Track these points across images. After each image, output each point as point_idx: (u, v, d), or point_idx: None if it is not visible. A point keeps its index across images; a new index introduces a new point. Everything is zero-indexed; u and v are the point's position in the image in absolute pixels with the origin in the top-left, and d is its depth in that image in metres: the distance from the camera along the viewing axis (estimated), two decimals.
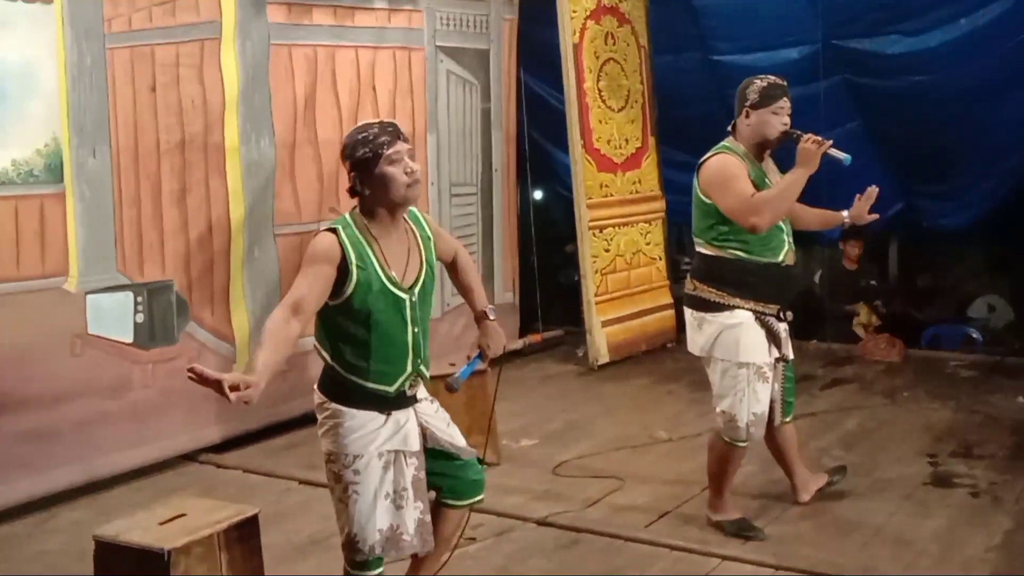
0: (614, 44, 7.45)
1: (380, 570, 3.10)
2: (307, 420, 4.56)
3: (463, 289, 3.40)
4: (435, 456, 3.13)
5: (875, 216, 4.34)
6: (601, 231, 7.30)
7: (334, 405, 2.99)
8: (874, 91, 7.25)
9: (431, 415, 3.14)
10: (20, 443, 4.58)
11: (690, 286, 4.10)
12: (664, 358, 7.35)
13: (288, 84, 5.77)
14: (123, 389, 5.02)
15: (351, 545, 3.02)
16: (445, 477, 3.18)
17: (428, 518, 3.09)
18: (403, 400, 3.04)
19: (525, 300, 7.73)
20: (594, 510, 4.50)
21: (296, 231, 5.81)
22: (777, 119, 3.93)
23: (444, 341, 6.83)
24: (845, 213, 4.32)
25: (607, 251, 7.36)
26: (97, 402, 4.89)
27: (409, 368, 3.01)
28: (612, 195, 7.40)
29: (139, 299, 5.08)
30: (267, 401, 5.61)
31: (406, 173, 2.90)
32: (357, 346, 2.95)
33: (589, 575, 3.87)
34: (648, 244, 7.75)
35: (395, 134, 2.91)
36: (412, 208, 3.07)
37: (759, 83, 3.96)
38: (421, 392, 3.14)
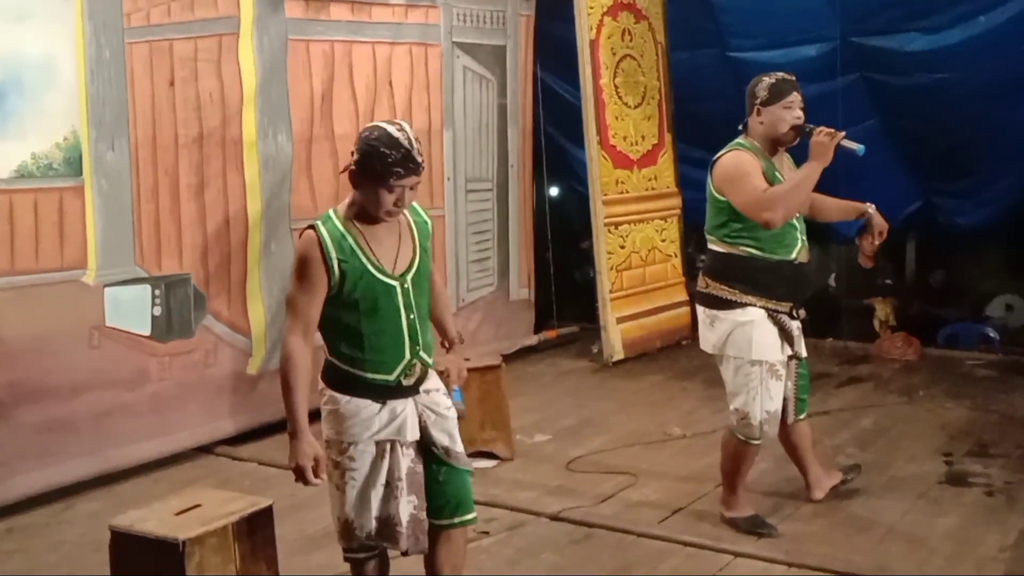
0: (631, 40, 7.44)
1: (373, 555, 3.14)
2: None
3: (433, 316, 3.22)
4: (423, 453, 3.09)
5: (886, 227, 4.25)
6: (617, 228, 7.30)
7: (331, 392, 3.02)
8: (892, 89, 7.21)
9: (439, 407, 3.10)
10: (38, 434, 4.63)
11: (702, 284, 4.10)
12: (679, 355, 7.34)
13: (305, 79, 5.79)
14: (140, 381, 5.06)
15: (346, 531, 3.06)
16: (427, 481, 3.10)
17: (423, 516, 3.06)
18: (401, 389, 3.01)
19: (540, 296, 7.74)
20: (607, 506, 4.50)
21: None
22: (789, 114, 3.92)
23: None
24: (871, 206, 4.23)
25: (622, 248, 7.35)
26: (114, 394, 4.93)
27: (408, 355, 2.99)
28: (628, 192, 7.40)
29: (157, 292, 5.11)
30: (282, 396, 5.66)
31: (394, 204, 2.90)
32: (351, 337, 2.96)
33: (601, 571, 3.87)
34: (664, 241, 7.74)
35: (413, 170, 2.87)
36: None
37: (768, 80, 3.95)
38: (431, 383, 3.11)
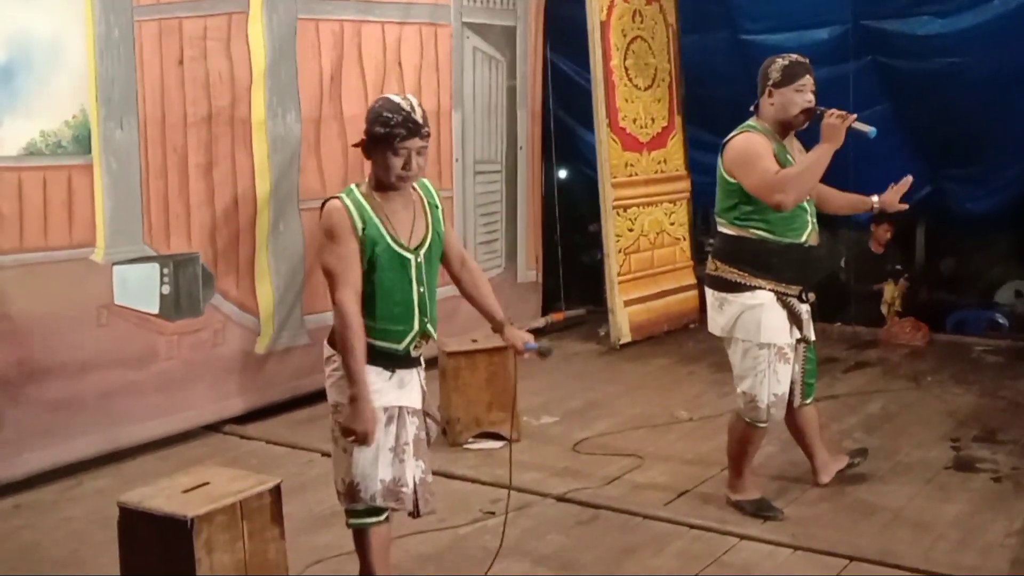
0: (641, 22, 7.40)
1: (380, 519, 3.21)
2: None
3: (476, 301, 3.37)
4: None
5: (905, 206, 4.27)
6: (625, 210, 7.28)
7: (339, 358, 3.08)
8: (904, 73, 7.17)
9: (425, 383, 3.26)
10: (46, 411, 4.64)
11: (712, 266, 4.09)
12: (686, 339, 7.34)
13: (314, 59, 5.78)
14: (148, 360, 5.07)
15: (351, 493, 3.14)
16: None
17: (430, 478, 3.22)
18: (409, 359, 3.15)
19: (548, 279, 7.74)
20: (613, 487, 4.51)
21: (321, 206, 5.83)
22: (800, 96, 3.90)
23: (466, 318, 6.84)
24: (875, 199, 4.24)
25: (631, 231, 7.33)
26: (122, 372, 4.95)
27: (417, 326, 3.12)
28: (637, 174, 7.38)
29: (165, 271, 5.12)
30: (291, 374, 5.69)
31: (403, 167, 3.02)
32: (366, 305, 3.05)
33: (606, 552, 3.88)
34: (672, 224, 7.72)
35: (415, 130, 3.00)
36: (424, 179, 3.22)
37: (781, 61, 3.92)
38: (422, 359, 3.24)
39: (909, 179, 4.23)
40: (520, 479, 4.56)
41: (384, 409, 3.09)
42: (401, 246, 3.08)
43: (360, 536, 3.26)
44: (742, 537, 3.92)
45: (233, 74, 5.35)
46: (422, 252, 3.13)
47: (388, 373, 3.11)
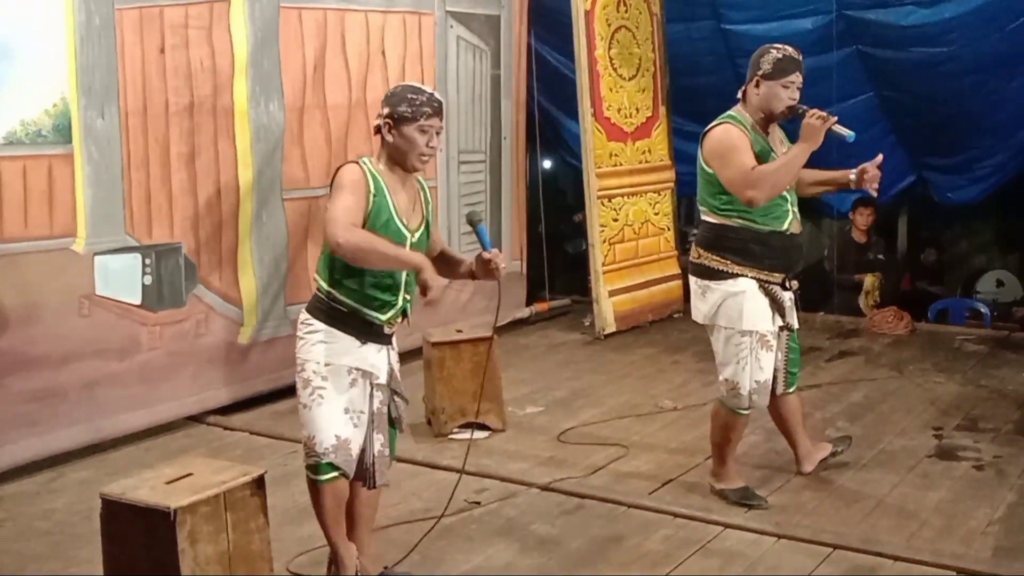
0: (626, 11, 7.39)
1: (333, 475, 3.28)
2: None
3: (448, 261, 3.53)
4: None
5: (875, 185, 4.19)
6: (610, 200, 7.28)
7: (317, 322, 3.25)
8: (887, 62, 7.19)
9: (396, 365, 3.40)
10: (27, 402, 4.61)
11: (695, 254, 4.10)
12: (670, 328, 7.35)
13: (297, 48, 5.74)
14: (131, 350, 5.04)
15: (309, 447, 3.30)
16: None
17: (387, 452, 3.39)
18: (382, 334, 3.30)
19: (532, 269, 7.73)
20: (598, 477, 4.52)
21: (304, 196, 5.81)
22: (786, 92, 3.90)
23: (450, 309, 6.84)
24: (852, 173, 4.18)
25: (615, 221, 7.34)
26: (104, 363, 4.91)
27: (400, 302, 3.28)
28: (621, 164, 7.38)
29: (147, 261, 5.09)
30: (274, 365, 5.66)
31: (428, 146, 3.21)
32: (358, 272, 3.19)
33: (591, 541, 3.89)
34: (657, 214, 7.73)
35: (438, 111, 3.21)
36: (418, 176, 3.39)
37: (774, 53, 3.92)
38: (394, 340, 3.38)
39: (880, 157, 4.15)
40: (505, 468, 4.58)
41: (348, 370, 3.24)
42: (402, 223, 3.23)
43: (314, 491, 3.34)
44: (726, 526, 3.94)
45: (215, 63, 5.31)
46: (416, 235, 3.28)
47: (359, 342, 3.25)
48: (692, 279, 4.13)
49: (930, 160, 7.87)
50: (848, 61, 7.14)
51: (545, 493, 4.34)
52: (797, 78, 3.91)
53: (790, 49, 3.94)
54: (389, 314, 3.27)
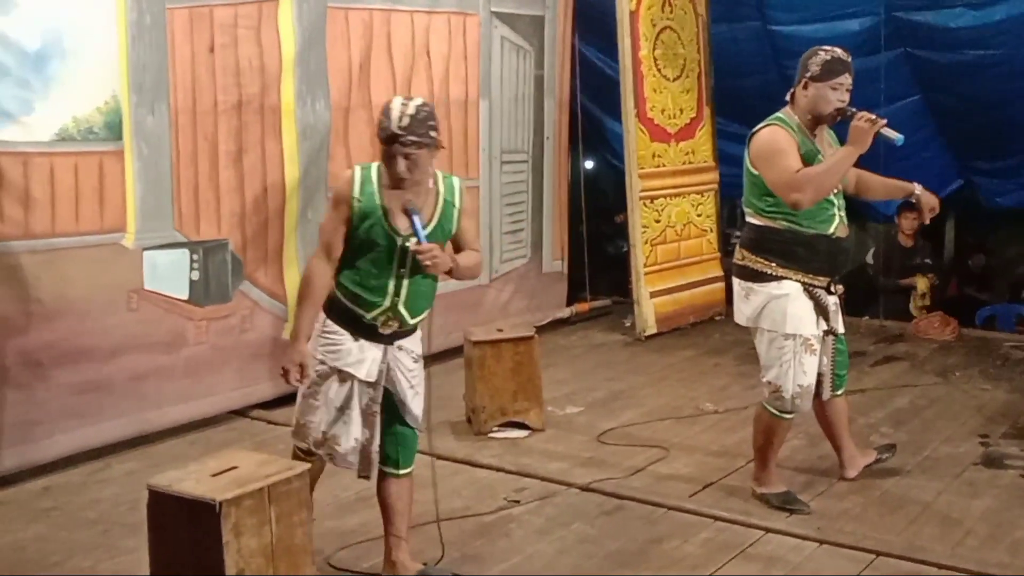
0: (671, 12, 7.36)
1: (311, 460, 3.44)
2: None
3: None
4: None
5: (936, 203, 4.19)
6: (652, 201, 7.26)
7: (324, 315, 3.40)
8: (935, 65, 7.09)
9: (405, 367, 3.45)
10: (76, 394, 4.69)
11: (739, 256, 4.08)
12: (712, 331, 7.31)
13: (344, 47, 5.78)
14: (177, 344, 5.11)
15: (298, 432, 3.50)
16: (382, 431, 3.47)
17: (373, 449, 3.44)
18: (375, 333, 3.36)
19: (573, 269, 7.72)
20: (637, 478, 4.51)
21: None
22: (835, 95, 3.86)
23: (491, 307, 6.86)
24: (918, 187, 4.18)
25: (657, 222, 7.31)
26: (151, 357, 4.99)
27: (387, 303, 3.32)
28: (664, 165, 7.34)
29: (195, 257, 5.15)
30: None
31: (406, 168, 3.22)
32: (348, 267, 3.34)
33: (631, 542, 3.88)
34: (699, 216, 7.69)
35: (399, 138, 3.17)
36: (453, 177, 3.47)
37: (823, 55, 3.88)
38: (410, 344, 3.46)
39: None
40: (545, 468, 4.58)
41: (340, 371, 3.36)
42: (392, 227, 3.28)
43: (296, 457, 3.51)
44: (767, 530, 3.91)
45: (263, 62, 5.37)
46: (412, 240, 3.28)
47: (351, 339, 3.36)
48: (735, 281, 4.11)
49: (978, 164, 7.75)
50: (896, 63, 7.05)
51: (585, 493, 4.33)
52: (846, 80, 3.87)
53: (839, 51, 3.91)
54: (374, 312, 3.32)
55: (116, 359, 4.83)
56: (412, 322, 3.41)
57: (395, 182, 3.26)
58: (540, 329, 5.87)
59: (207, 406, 5.25)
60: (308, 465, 3.32)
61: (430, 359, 6.11)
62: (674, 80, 7.40)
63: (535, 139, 7.27)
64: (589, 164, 8.66)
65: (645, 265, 7.17)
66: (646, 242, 7.19)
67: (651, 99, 7.20)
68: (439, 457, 4.76)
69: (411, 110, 3.20)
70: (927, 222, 4.14)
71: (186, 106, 5.06)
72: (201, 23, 5.09)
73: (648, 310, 7.14)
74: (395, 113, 3.19)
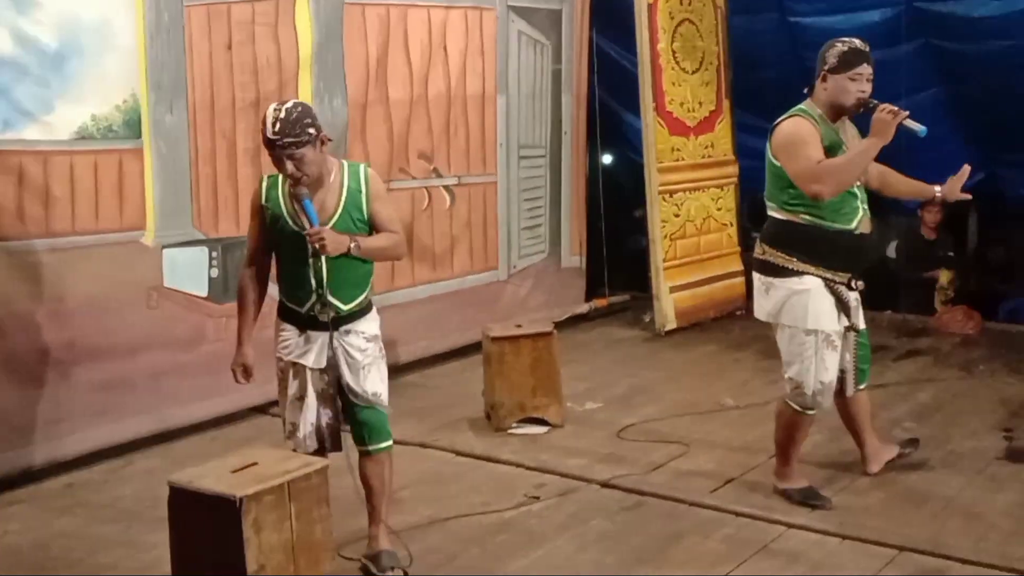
0: (689, 4, 7.32)
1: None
2: None
3: None
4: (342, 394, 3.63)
5: (968, 196, 4.16)
6: (671, 195, 7.22)
7: (277, 315, 3.63)
8: (958, 56, 7.02)
9: (355, 348, 3.57)
10: (96, 392, 4.71)
11: (759, 250, 4.04)
12: (732, 326, 7.27)
13: (361, 43, 5.79)
14: (197, 341, 5.12)
15: (284, 425, 3.68)
16: (347, 415, 3.65)
17: (333, 423, 3.62)
18: (315, 322, 3.53)
19: (592, 264, 7.70)
20: (658, 474, 4.49)
21: None
22: (855, 86, 3.82)
23: (510, 303, 6.85)
24: (938, 189, 4.15)
25: (677, 216, 7.28)
26: (171, 354, 5.01)
27: (313, 297, 3.49)
28: (683, 159, 7.31)
29: (214, 254, 5.17)
30: None
31: (295, 168, 3.35)
32: (279, 269, 3.59)
33: (651, 539, 3.86)
34: (719, 210, 7.64)
35: (295, 142, 3.29)
36: (359, 164, 3.63)
37: (840, 47, 3.84)
38: (361, 326, 3.58)
39: (967, 168, 4.11)
40: (565, 464, 4.57)
41: (292, 364, 3.57)
42: (296, 223, 3.43)
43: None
44: (789, 525, 3.89)
45: (280, 59, 5.38)
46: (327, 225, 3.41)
47: (297, 331, 3.55)
48: (756, 276, 4.08)
49: (1001, 156, 7.67)
50: (917, 54, 6.99)
51: (605, 490, 4.32)
52: (865, 69, 3.83)
53: (856, 41, 3.86)
54: (307, 305, 3.50)
55: (136, 356, 4.86)
56: (347, 308, 3.53)
57: (294, 183, 3.39)
58: (559, 325, 5.85)
59: (227, 403, 5.25)
60: (327, 461, 3.33)
61: (448, 355, 6.18)
62: (693, 73, 7.36)
63: (553, 134, 7.25)
64: (607, 159, 8.63)
65: (664, 260, 7.14)
66: (665, 237, 7.16)
67: (670, 92, 7.16)
68: (458, 453, 4.79)
69: (283, 114, 3.32)
70: (955, 199, 4.10)
71: (204, 104, 5.08)
72: (219, 20, 5.10)
73: (668, 305, 7.11)
74: (269, 120, 3.32)
